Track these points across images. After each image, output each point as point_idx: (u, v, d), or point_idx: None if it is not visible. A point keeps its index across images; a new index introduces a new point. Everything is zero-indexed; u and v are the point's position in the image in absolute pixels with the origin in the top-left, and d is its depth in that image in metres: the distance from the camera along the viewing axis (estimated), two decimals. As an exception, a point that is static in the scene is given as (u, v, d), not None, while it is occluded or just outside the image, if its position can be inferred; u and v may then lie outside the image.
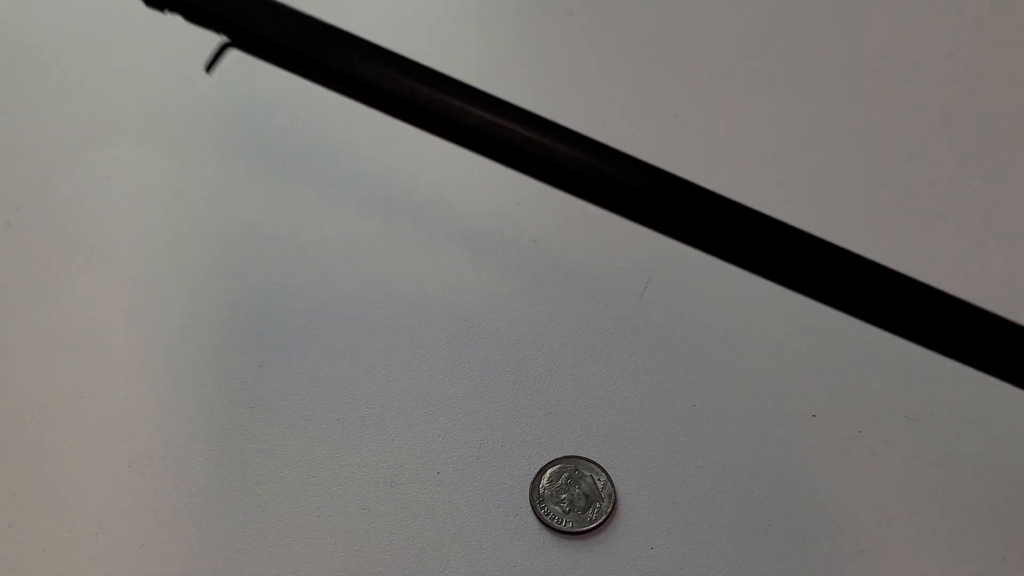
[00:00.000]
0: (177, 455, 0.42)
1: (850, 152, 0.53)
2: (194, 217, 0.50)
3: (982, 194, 0.51)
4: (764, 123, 0.54)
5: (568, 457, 0.42)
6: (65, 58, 0.58)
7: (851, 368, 0.44)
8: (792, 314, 0.46)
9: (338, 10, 0.59)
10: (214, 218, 0.50)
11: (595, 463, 0.42)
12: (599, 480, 0.41)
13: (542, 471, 0.41)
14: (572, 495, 0.41)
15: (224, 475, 0.42)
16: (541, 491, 0.41)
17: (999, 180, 0.51)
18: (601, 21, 0.60)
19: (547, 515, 0.40)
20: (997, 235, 0.49)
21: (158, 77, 0.57)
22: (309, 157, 0.53)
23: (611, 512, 0.40)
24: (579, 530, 0.40)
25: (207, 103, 0.55)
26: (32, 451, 0.42)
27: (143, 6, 0.36)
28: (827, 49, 0.58)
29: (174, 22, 0.58)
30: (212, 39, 0.35)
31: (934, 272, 0.38)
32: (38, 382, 0.45)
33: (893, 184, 0.51)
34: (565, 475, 0.41)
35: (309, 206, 0.51)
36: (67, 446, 0.42)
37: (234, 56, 0.36)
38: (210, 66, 0.34)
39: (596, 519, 0.40)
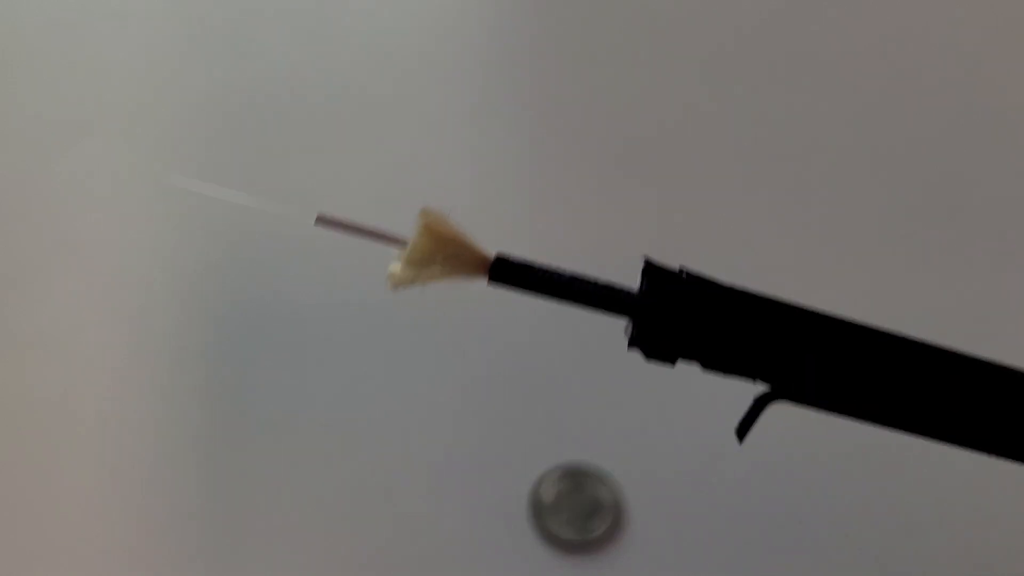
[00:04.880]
0: (161, 462, 0.42)
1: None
2: (178, 215, 0.49)
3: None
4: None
5: (570, 464, 0.40)
6: (45, 53, 0.58)
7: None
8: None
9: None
10: (200, 216, 0.49)
11: (599, 470, 0.40)
12: (603, 489, 0.40)
13: (542, 479, 0.40)
14: (574, 504, 0.40)
15: (211, 484, 0.41)
16: (541, 500, 0.40)
17: None
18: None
19: (547, 525, 0.39)
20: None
21: (141, 72, 0.56)
22: (302, 154, 0.52)
23: (616, 523, 0.39)
24: (581, 540, 0.39)
25: (193, 98, 0.55)
26: (13, 456, 0.42)
27: None
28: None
29: (160, 12, 0.58)
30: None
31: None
32: (18, 384, 0.44)
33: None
34: (567, 483, 0.40)
35: (301, 204, 0.50)
36: (49, 451, 0.42)
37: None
38: (744, 430, 0.25)
39: (599, 530, 0.39)
